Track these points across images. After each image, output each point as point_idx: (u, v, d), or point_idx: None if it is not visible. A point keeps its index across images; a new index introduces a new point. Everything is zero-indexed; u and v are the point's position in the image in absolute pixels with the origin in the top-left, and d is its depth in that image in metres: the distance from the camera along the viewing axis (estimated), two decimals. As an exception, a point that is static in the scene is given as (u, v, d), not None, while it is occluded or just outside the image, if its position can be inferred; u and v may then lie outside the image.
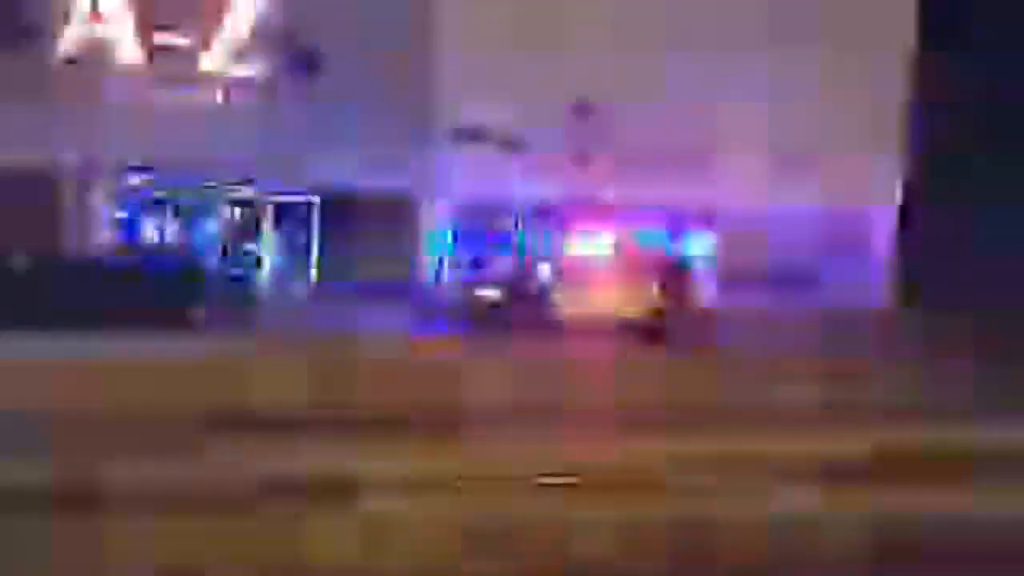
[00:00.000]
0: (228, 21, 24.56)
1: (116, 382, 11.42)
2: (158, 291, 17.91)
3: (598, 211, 26.80)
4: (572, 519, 6.67)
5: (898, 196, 28.95)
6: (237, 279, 19.81)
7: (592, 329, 18.99)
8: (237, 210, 26.21)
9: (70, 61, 23.78)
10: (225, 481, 7.39)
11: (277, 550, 5.96)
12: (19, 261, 18.12)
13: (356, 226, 26.22)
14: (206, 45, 24.47)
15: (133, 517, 6.44)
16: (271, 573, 5.69)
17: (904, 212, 29.26)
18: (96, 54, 23.95)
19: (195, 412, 9.63)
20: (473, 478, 7.74)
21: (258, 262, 25.27)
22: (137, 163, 24.24)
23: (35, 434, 8.63)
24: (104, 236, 23.91)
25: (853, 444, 9.73)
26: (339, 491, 7.11)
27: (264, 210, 25.99)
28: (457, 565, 5.93)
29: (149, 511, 6.58)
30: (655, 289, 19.88)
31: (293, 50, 24.58)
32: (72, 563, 5.63)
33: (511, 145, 26.07)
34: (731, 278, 27.90)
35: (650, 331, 19.30)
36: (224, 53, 24.58)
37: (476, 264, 25.37)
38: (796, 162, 25.64)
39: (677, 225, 27.59)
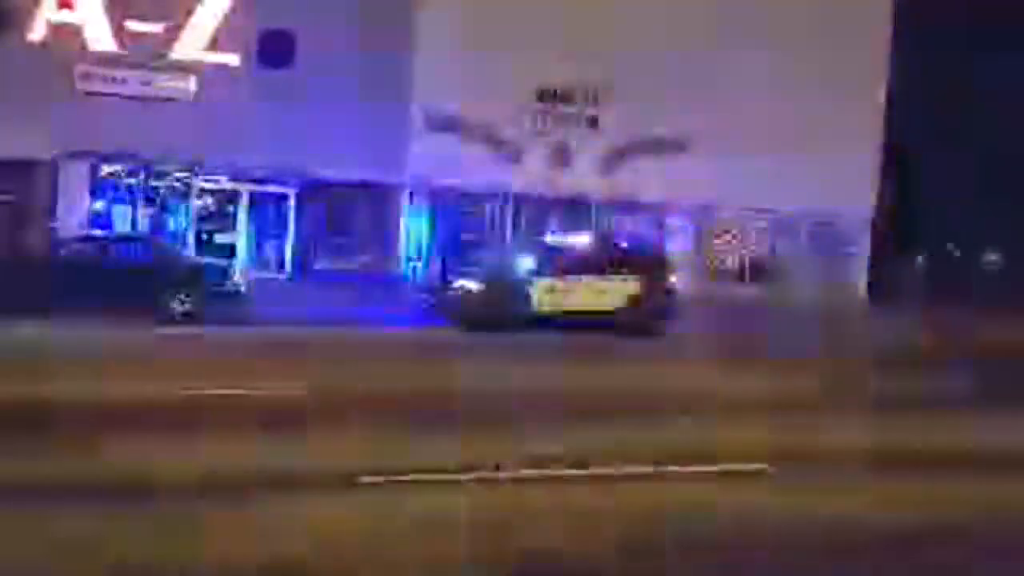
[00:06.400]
0: (201, 9, 24.30)
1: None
2: (136, 282, 17.60)
3: (581, 204, 26.78)
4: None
5: (875, 196, 29.19)
6: (214, 269, 19.51)
7: (571, 321, 18.87)
8: (212, 200, 26.04)
9: (43, 48, 23.45)
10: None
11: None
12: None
13: (334, 216, 26.11)
14: (178, 33, 24.19)
15: None
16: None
17: (881, 211, 29.49)
18: (68, 41, 23.63)
19: None
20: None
21: (233, 251, 25.10)
22: (110, 152, 23.94)
23: None
24: (80, 225, 23.62)
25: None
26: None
27: (240, 200, 25.80)
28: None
29: None
30: (635, 282, 19.75)
31: (267, 40, 24.36)
32: None
33: (492, 139, 25.99)
34: (714, 273, 28.08)
35: (628, 323, 19.19)
36: (197, 41, 24.30)
37: (454, 255, 25.29)
38: (781, 160, 25.63)
39: (659, 219, 27.65)
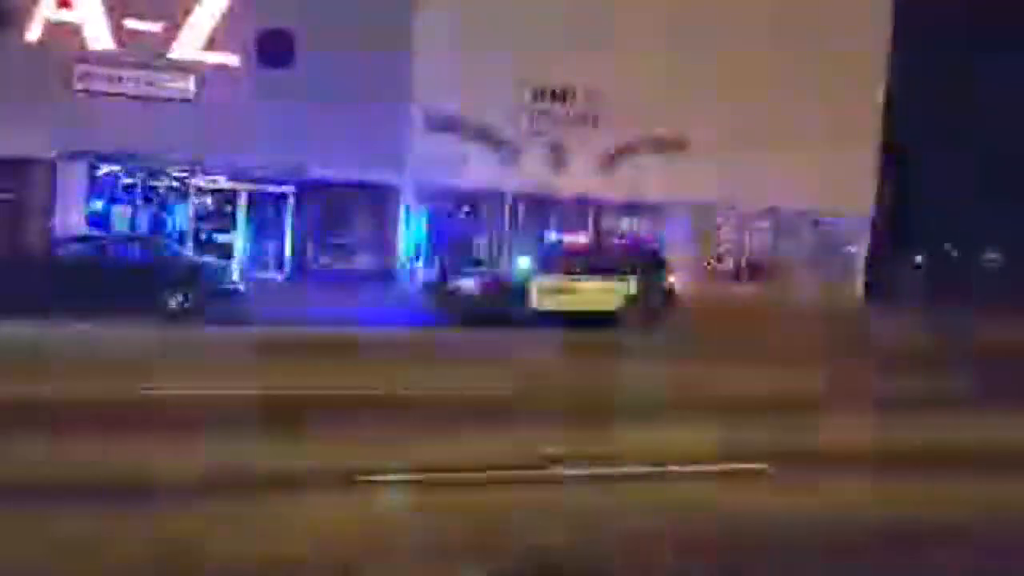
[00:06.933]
0: (200, 8, 24.26)
1: None
2: (134, 281, 17.62)
3: (576, 204, 26.77)
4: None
5: (875, 196, 29.19)
6: (213, 268, 19.52)
7: (569, 321, 18.88)
8: (210, 199, 26.01)
9: (42, 47, 23.42)
10: None
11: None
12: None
13: (333, 216, 26.08)
14: (177, 32, 24.16)
15: None
16: None
17: (881, 211, 29.49)
18: (66, 40, 23.59)
19: None
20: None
21: (231, 251, 25.08)
22: (109, 152, 23.91)
23: None
24: (79, 225, 23.60)
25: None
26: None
27: (238, 200, 25.77)
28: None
29: None
30: (633, 281, 19.77)
31: (266, 40, 24.32)
32: None
33: (489, 139, 25.97)
34: (713, 272, 28.06)
35: (627, 323, 19.22)
36: (196, 41, 24.26)
37: (453, 255, 25.30)
38: (781, 160, 25.62)
39: (659, 219, 27.64)
